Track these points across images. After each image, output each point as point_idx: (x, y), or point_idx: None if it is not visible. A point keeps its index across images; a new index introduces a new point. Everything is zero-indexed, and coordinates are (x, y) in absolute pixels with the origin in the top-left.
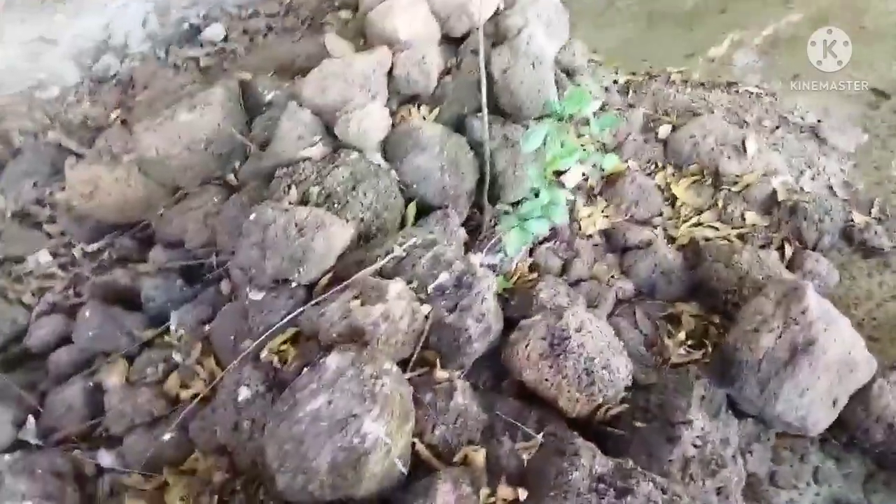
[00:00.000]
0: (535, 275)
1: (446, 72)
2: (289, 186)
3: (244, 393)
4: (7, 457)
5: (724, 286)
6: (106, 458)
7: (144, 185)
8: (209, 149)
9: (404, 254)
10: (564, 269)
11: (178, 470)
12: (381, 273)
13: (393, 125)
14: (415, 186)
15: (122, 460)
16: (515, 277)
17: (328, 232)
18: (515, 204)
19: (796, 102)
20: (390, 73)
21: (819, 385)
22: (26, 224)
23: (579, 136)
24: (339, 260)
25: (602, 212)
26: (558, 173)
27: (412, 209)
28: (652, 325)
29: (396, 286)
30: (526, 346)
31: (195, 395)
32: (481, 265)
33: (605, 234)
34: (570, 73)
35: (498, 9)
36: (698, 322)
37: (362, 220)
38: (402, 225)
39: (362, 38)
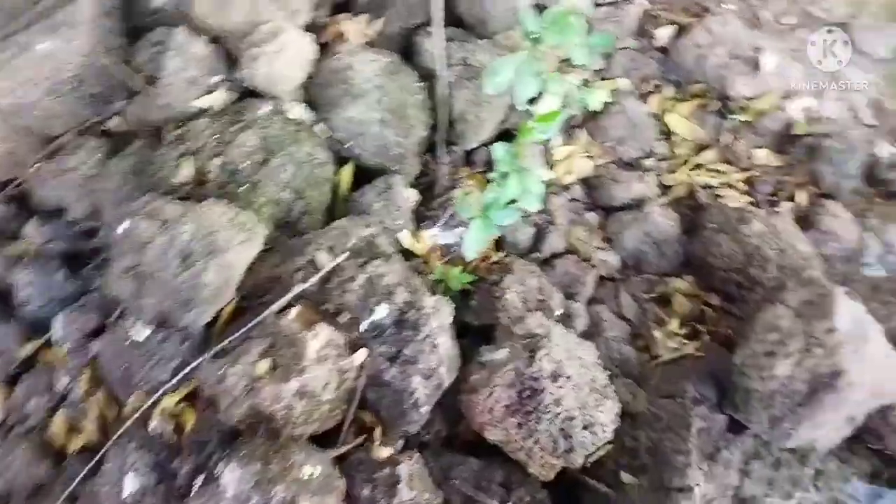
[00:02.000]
0: (502, 254)
1: None
2: (180, 157)
3: (130, 485)
4: None
5: (726, 263)
6: None
7: (6, 136)
8: (80, 89)
9: (332, 266)
10: (537, 240)
11: None
12: (303, 294)
13: (323, 46)
14: (349, 145)
15: None
16: (478, 261)
17: (224, 260)
18: (474, 151)
19: None
20: None
21: (840, 416)
22: None
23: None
24: (248, 273)
25: (584, 151)
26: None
27: (347, 174)
28: (639, 310)
29: (317, 341)
30: (489, 396)
31: (83, 449)
32: (437, 245)
33: (587, 183)
34: None
35: None
36: (693, 303)
37: (278, 202)
38: (335, 198)
39: None
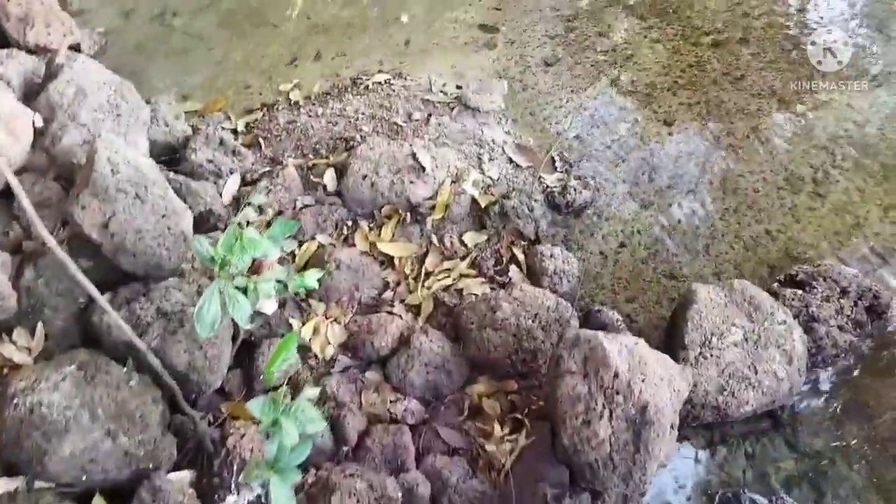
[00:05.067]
0: (312, 472)
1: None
2: None
3: None
4: None
5: (502, 351)
6: None
7: None
8: None
9: None
10: (337, 433)
11: None
12: None
13: None
14: (83, 480)
15: None
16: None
17: None
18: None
19: (427, 76)
20: None
21: (667, 434)
22: None
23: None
24: None
25: (326, 318)
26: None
27: None
28: (462, 435)
29: None
30: None
31: None
32: None
33: (347, 346)
34: (175, 151)
35: (35, 127)
36: (500, 398)
37: None
38: None
39: None
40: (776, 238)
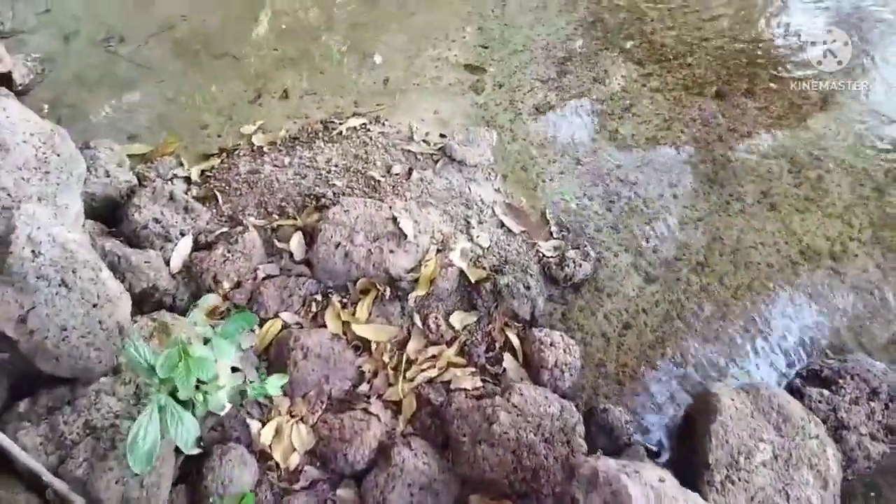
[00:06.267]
0: None
1: None
2: None
3: None
4: None
5: (502, 471)
6: None
7: None
8: None
9: None
10: None
11: None
12: None
13: None
14: None
15: None
16: None
17: None
18: None
19: (408, 122)
20: None
21: None
22: None
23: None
24: None
25: (291, 416)
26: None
27: None
28: None
29: None
30: None
31: None
32: None
33: (315, 454)
34: (118, 206)
35: None
36: None
37: None
38: None
39: None
40: (794, 321)
